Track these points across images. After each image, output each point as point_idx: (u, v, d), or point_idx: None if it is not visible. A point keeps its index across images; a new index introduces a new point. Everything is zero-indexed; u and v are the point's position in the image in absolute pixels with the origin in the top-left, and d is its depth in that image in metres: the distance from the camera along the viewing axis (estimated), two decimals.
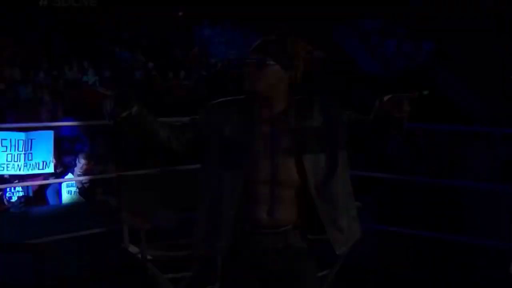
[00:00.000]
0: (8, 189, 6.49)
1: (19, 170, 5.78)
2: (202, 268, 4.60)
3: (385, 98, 2.50)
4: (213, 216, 2.67)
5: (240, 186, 2.61)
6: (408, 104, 2.45)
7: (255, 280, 2.69)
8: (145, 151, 7.61)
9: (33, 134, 5.82)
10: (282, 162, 2.62)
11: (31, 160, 5.78)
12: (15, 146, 5.72)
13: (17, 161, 5.75)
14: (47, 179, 6.41)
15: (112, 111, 2.53)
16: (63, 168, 7.05)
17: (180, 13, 16.54)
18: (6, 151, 5.70)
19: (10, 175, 6.25)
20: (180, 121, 2.78)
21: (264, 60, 2.62)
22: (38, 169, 5.89)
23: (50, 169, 6.00)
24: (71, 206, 6.32)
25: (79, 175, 6.59)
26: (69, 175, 6.71)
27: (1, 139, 5.68)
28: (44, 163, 5.88)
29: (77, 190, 6.60)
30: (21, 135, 5.74)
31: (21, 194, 6.56)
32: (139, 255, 4.30)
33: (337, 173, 2.65)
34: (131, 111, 2.53)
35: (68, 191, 6.63)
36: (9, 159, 5.71)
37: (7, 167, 5.73)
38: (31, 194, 6.62)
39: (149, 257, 4.27)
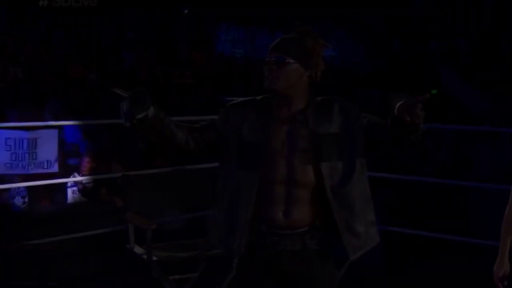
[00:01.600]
0: (11, 189, 6.44)
1: (24, 169, 5.74)
2: (208, 269, 4.58)
3: (397, 104, 2.43)
4: (230, 217, 2.65)
5: (257, 186, 2.59)
6: (421, 108, 2.39)
7: (271, 281, 2.67)
8: (151, 150, 7.59)
9: (37, 132, 5.78)
10: (299, 163, 2.59)
11: (36, 159, 5.74)
12: (19, 145, 5.68)
13: (21, 161, 5.70)
14: (51, 179, 6.36)
15: (128, 112, 2.48)
16: (67, 167, 7.01)
17: (186, 11, 16.52)
18: (10, 150, 5.66)
19: (14, 175, 6.20)
20: (199, 122, 2.76)
21: (283, 58, 2.60)
22: (43, 168, 5.85)
23: (55, 168, 5.96)
24: (75, 206, 6.28)
25: (83, 175, 6.55)
26: (74, 175, 6.65)
27: (5, 138, 5.64)
28: (49, 163, 5.84)
29: (82, 190, 6.55)
30: (25, 134, 5.70)
31: (24, 194, 6.52)
32: (145, 256, 4.26)
33: (355, 177, 2.63)
34: (147, 113, 2.50)
35: (72, 191, 6.60)
36: (14, 158, 5.67)
37: (11, 166, 5.69)
38: (35, 194, 6.57)
39: (154, 258, 4.24)
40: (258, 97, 2.73)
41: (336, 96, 2.71)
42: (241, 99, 2.77)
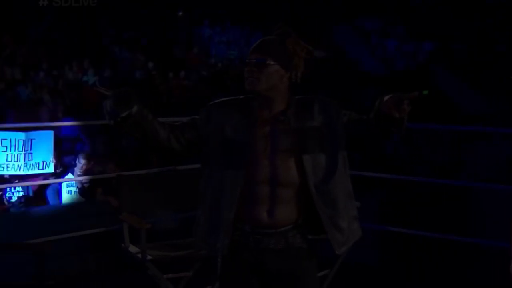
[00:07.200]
0: (8, 189, 6.48)
1: (19, 170, 5.77)
2: (202, 268, 4.60)
3: (385, 98, 2.49)
4: (213, 216, 2.66)
5: (240, 186, 2.59)
6: (408, 104, 2.44)
7: (255, 281, 2.68)
8: (145, 150, 7.59)
9: (33, 134, 5.81)
10: (282, 162, 2.60)
11: (31, 160, 5.78)
12: (15, 146, 5.72)
13: (17, 161, 5.74)
14: (47, 179, 6.40)
15: (112, 111, 2.49)
16: (63, 168, 7.04)
17: (180, 13, 16.52)
18: (6, 151, 5.70)
19: (10, 175, 6.24)
20: (180, 121, 2.74)
21: (264, 59, 2.60)
22: (38, 169, 5.88)
23: (50, 169, 5.99)
24: (71, 206, 6.30)
25: (79, 175, 6.57)
26: (69, 175, 6.68)
27: (1, 139, 5.68)
28: (44, 163, 5.88)
29: (77, 190, 6.58)
30: (21, 135, 5.73)
31: (21, 194, 6.55)
32: (139, 255, 4.27)
33: (337, 173, 2.64)
34: (131, 111, 2.51)
35: (68, 191, 6.61)
36: (9, 159, 5.71)
37: (7, 167, 5.73)
38: (31, 194, 6.61)
39: (149, 257, 4.24)
40: (241, 97, 2.72)
41: (316, 95, 2.72)
42: (223, 98, 2.76)
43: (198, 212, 2.76)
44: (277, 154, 2.60)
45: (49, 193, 6.61)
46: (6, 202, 6.50)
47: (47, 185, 6.60)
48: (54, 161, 6.20)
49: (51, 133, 5.94)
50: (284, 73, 2.64)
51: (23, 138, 5.74)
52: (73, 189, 6.61)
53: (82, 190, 6.56)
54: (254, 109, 2.66)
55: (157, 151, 2.77)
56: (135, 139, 2.65)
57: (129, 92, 2.53)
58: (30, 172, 5.86)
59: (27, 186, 6.48)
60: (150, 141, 2.64)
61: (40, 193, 6.64)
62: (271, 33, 2.70)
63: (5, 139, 5.68)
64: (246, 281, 2.68)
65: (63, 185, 6.62)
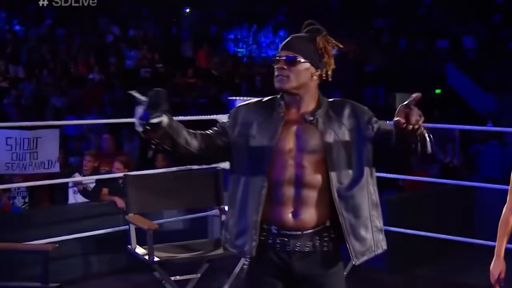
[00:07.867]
0: (12, 189, 6.42)
1: (24, 169, 5.72)
2: (210, 270, 4.57)
3: (396, 118, 2.33)
4: (240, 219, 2.65)
5: (265, 187, 2.58)
6: (418, 114, 2.30)
7: (280, 283, 2.67)
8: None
9: (38, 132, 5.79)
10: (307, 164, 2.58)
11: (37, 159, 5.73)
12: (20, 144, 5.68)
13: (22, 160, 5.69)
14: (53, 179, 6.33)
15: (143, 116, 2.45)
16: (68, 167, 7.00)
17: (187, 10, 16.52)
18: (11, 150, 5.65)
19: (15, 175, 6.19)
20: (211, 130, 2.73)
21: (294, 57, 2.59)
22: (44, 168, 5.84)
23: (56, 168, 5.94)
24: (77, 206, 6.25)
25: (85, 175, 6.54)
26: (75, 175, 6.65)
27: (6, 138, 5.63)
28: (50, 162, 5.83)
29: (83, 190, 6.53)
30: (26, 134, 5.69)
31: (25, 194, 6.50)
32: (146, 257, 4.25)
33: (363, 181, 2.61)
34: (162, 120, 2.47)
35: (73, 191, 6.58)
36: (14, 158, 5.66)
37: (12, 166, 5.67)
38: (35, 194, 6.55)
39: (156, 258, 4.22)
40: (266, 98, 2.72)
41: (348, 100, 2.69)
42: (250, 100, 2.76)
43: (226, 216, 2.76)
44: (303, 155, 2.58)
45: (54, 193, 6.57)
46: (10, 203, 6.45)
47: (53, 185, 6.54)
48: (60, 160, 6.14)
49: (56, 131, 5.91)
50: (314, 71, 2.62)
51: (29, 136, 5.69)
52: (79, 189, 6.55)
53: (88, 190, 6.51)
54: (280, 109, 2.64)
55: (185, 160, 2.72)
56: (164, 150, 2.59)
57: (163, 96, 2.48)
58: (35, 171, 5.81)
59: (32, 186, 6.41)
60: (180, 151, 2.61)
61: (45, 193, 6.60)
62: (301, 30, 2.68)
63: (10, 138, 5.64)
64: (271, 283, 2.67)
65: (69, 185, 6.56)
